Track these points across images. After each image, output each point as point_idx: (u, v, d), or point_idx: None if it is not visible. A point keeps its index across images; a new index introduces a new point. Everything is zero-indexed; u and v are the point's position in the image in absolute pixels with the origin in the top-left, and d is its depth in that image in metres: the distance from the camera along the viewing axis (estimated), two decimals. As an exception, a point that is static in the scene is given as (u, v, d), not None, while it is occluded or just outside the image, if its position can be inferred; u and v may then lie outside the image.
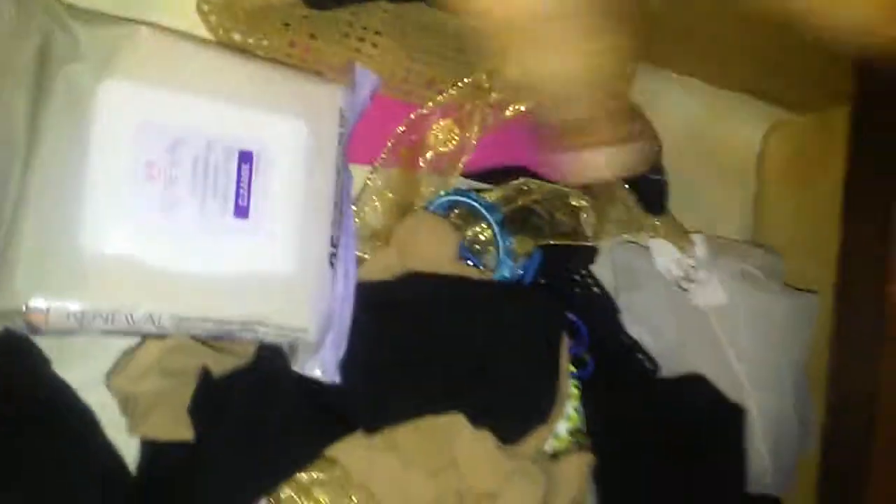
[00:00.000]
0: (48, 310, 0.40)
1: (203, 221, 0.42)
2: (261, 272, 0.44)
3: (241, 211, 0.43)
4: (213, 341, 0.52)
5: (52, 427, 0.51)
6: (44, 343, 0.51)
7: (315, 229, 0.45)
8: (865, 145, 0.62)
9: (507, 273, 0.64)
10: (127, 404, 0.53)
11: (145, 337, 0.50)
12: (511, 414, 0.57)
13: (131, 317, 0.42)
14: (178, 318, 0.44)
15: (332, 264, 0.45)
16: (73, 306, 0.40)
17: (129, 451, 0.55)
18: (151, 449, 0.55)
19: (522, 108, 0.63)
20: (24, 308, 0.39)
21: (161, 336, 0.48)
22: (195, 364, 0.53)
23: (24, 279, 0.39)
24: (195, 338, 0.54)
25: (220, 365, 0.54)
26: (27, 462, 0.49)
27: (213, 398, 0.54)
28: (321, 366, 0.48)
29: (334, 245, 0.46)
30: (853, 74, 0.61)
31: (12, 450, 0.49)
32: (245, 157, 0.42)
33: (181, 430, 0.53)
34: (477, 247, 0.67)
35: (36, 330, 0.41)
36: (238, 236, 0.43)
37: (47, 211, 0.39)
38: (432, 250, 0.59)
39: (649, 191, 0.62)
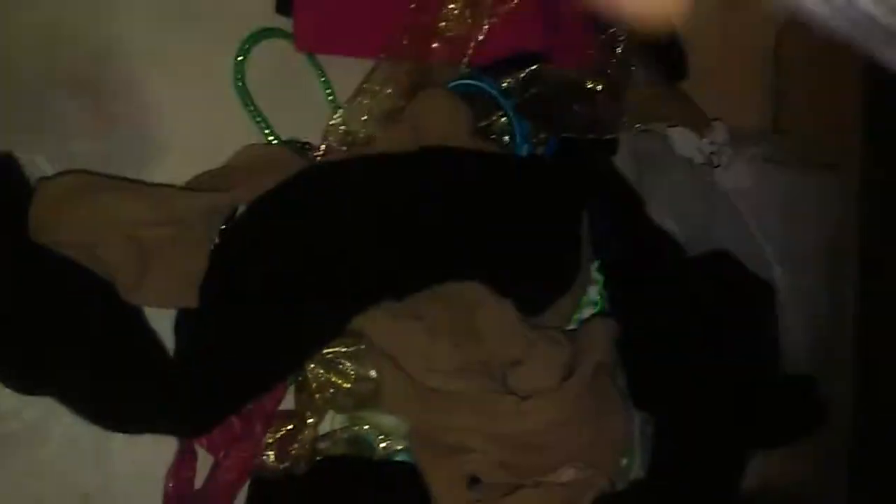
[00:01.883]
0: None
1: None
2: None
3: None
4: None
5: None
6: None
7: None
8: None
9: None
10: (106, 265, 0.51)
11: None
12: (533, 282, 0.55)
13: None
14: None
15: None
16: None
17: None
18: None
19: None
20: None
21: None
22: (162, 213, 0.51)
23: None
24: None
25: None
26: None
27: (224, 267, 0.52)
28: None
29: None
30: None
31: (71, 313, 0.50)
32: None
33: (184, 295, 0.51)
34: (492, 136, 0.64)
35: None
36: None
37: None
38: (447, 125, 0.57)
39: (668, 58, 0.59)
